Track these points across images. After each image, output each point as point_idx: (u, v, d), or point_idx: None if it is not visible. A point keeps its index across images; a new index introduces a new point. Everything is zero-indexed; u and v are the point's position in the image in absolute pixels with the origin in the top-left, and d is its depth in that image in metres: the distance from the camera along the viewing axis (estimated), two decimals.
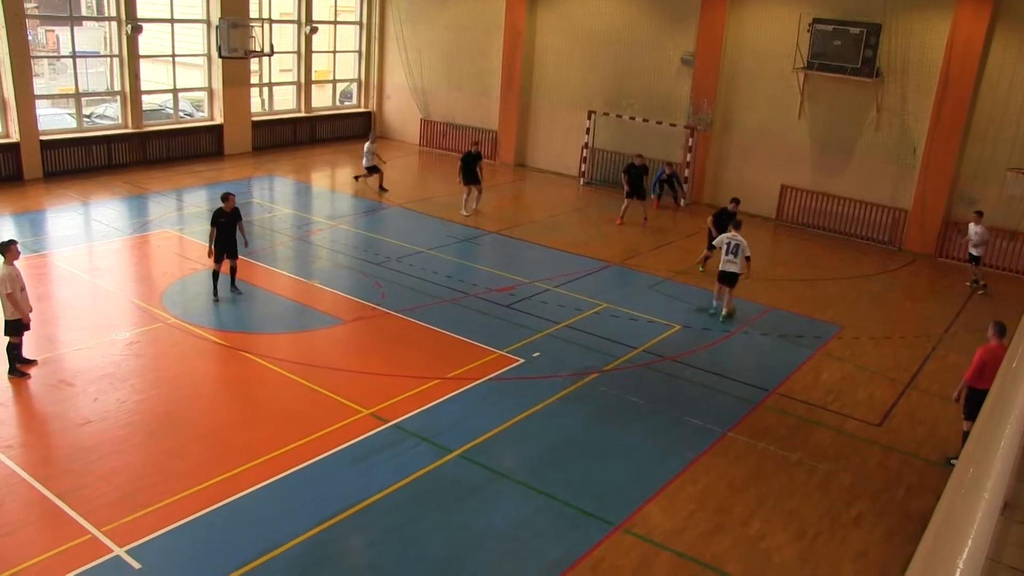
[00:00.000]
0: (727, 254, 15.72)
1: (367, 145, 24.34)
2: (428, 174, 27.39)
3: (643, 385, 13.01)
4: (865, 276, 19.38)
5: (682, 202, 24.25)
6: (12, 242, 11.94)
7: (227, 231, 15.33)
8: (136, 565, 8.36)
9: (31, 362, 12.37)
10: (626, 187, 22.07)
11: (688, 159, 24.41)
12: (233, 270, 15.72)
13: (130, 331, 13.87)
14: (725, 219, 17.19)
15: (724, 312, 15.94)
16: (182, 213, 20.95)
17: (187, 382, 12.40)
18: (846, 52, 21.20)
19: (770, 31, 22.85)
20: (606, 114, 25.88)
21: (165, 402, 11.69)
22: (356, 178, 24.95)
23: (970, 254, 18.88)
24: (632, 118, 25.35)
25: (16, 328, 11.97)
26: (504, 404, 12.10)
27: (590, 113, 26.03)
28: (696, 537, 9.45)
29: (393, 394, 12.13)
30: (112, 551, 8.52)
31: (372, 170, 24.20)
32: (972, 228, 18.69)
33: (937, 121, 20.69)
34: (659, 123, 24.81)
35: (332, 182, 26.25)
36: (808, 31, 21.76)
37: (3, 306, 11.84)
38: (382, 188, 24.22)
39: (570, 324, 15.14)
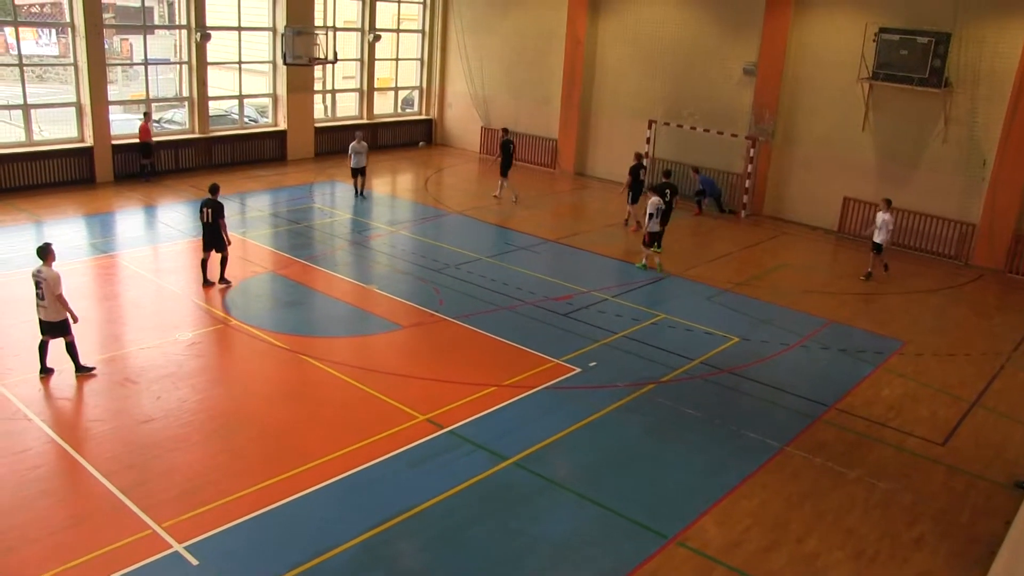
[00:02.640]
0: (658, 216, 18.48)
1: (354, 144, 23.28)
2: (488, 182, 27.43)
3: (700, 397, 12.88)
4: (929, 291, 18.95)
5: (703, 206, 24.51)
6: (49, 245, 12.17)
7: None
8: (194, 561, 8.52)
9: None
10: (629, 192, 22.30)
11: (749, 170, 24.14)
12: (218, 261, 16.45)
13: (192, 332, 14.15)
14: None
15: (647, 264, 18.85)
16: (245, 217, 21.32)
17: (246, 383, 12.62)
18: (913, 62, 20.73)
19: (834, 41, 22.50)
20: (666, 123, 25.72)
21: (224, 402, 11.91)
22: (361, 195, 23.77)
23: (874, 243, 19.04)
24: (692, 128, 25.16)
25: (67, 327, 12.14)
26: (560, 413, 12.08)
27: (650, 122, 25.91)
28: (751, 553, 9.31)
29: (449, 400, 12.19)
30: (171, 547, 8.69)
31: (359, 172, 23.30)
32: (881, 216, 18.86)
33: (1009, 133, 20.13)
34: (720, 133, 24.59)
35: (392, 188, 26.48)
36: (874, 41, 21.36)
37: (50, 307, 11.97)
38: (362, 193, 23.62)
39: (627, 334, 15.07)
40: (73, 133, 23.32)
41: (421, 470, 10.44)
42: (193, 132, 25.80)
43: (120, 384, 12.21)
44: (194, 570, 8.41)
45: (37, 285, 12.03)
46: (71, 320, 12.10)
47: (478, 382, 12.83)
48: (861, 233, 22.40)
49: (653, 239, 18.64)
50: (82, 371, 12.31)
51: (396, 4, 31.37)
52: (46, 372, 12.25)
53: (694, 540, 9.44)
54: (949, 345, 15.76)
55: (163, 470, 10.09)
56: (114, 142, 23.58)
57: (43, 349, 12.24)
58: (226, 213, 16.32)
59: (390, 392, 12.32)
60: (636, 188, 22.19)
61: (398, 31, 31.83)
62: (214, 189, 16.41)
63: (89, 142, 23.12)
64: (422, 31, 32.23)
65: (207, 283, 16.20)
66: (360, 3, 29.79)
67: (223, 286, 16.28)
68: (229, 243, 16.34)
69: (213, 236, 16.12)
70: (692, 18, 25.30)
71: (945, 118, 21.10)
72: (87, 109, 22.88)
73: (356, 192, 23.63)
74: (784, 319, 16.38)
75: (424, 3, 31.86)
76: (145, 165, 24.08)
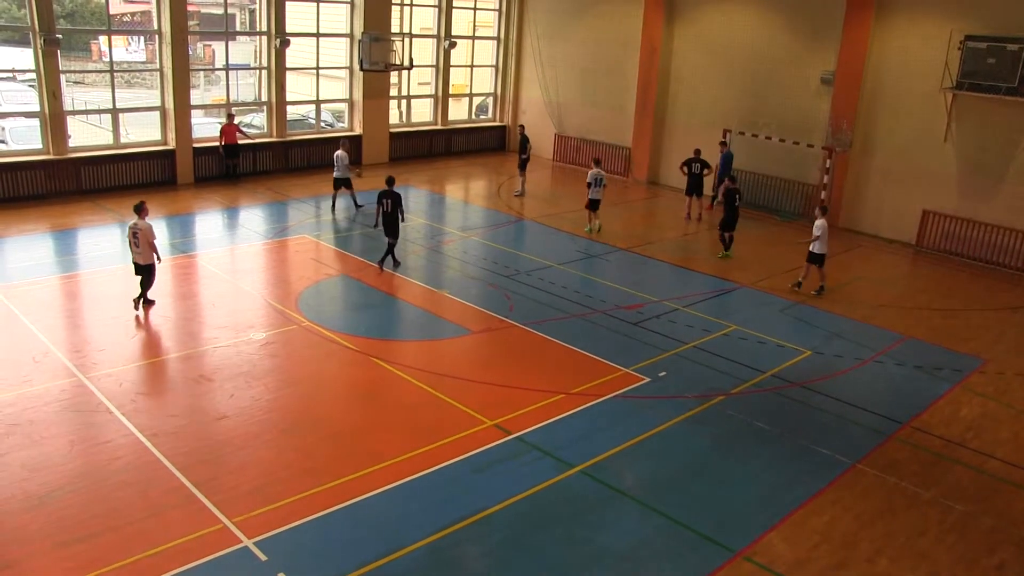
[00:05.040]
0: (597, 186, 21.25)
1: (340, 152, 22.21)
2: (561, 189, 27.46)
3: (770, 410, 12.69)
4: (1013, 308, 18.34)
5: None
6: (144, 202, 15.09)
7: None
8: (263, 557, 8.69)
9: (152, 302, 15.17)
10: (687, 181, 23.79)
11: (825, 181, 23.71)
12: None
13: (266, 332, 14.44)
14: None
15: (597, 227, 21.77)
16: (320, 220, 21.71)
17: (318, 384, 12.82)
18: (1001, 70, 20.05)
19: (917, 49, 21.95)
20: (741, 133, 25.43)
21: (296, 402, 12.13)
22: (357, 206, 22.68)
23: (812, 254, 17.89)
24: (768, 137, 24.83)
25: (153, 269, 14.94)
26: (628, 422, 12.02)
27: (725, 131, 25.63)
28: (819, 571, 9.13)
29: (517, 406, 12.22)
30: (241, 542, 8.89)
31: (343, 182, 22.25)
32: (818, 224, 17.76)
33: None
34: (795, 143, 24.21)
35: (466, 194, 26.69)
36: (959, 49, 20.78)
37: (144, 252, 14.67)
38: (357, 205, 22.64)
39: (697, 345, 14.92)
40: (157, 136, 24.04)
41: (487, 475, 10.48)
42: (271, 136, 26.37)
43: (196, 381, 12.53)
44: (263, 565, 8.58)
45: (134, 235, 14.67)
46: (157, 262, 14.91)
47: (546, 389, 12.84)
48: (942, 247, 21.89)
49: (592, 205, 21.58)
50: (147, 303, 14.98)
51: (472, 11, 31.64)
52: (148, 303, 15.05)
53: (761, 555, 9.30)
54: None
55: (235, 466, 10.33)
56: (196, 145, 24.24)
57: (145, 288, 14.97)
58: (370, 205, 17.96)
59: (458, 396, 12.41)
60: (692, 181, 23.60)
61: (473, 38, 32.08)
62: (391, 181, 17.99)
63: (172, 145, 23.81)
64: (497, 38, 32.42)
65: (383, 267, 17.82)
66: (436, 10, 30.11)
67: (388, 271, 17.74)
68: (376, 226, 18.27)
69: (392, 224, 17.60)
70: (769, 26, 24.98)
71: None
72: (171, 113, 23.58)
73: (333, 206, 22.59)
74: (858, 333, 16.04)
75: (499, 10, 32.06)
76: (230, 165, 24.77)
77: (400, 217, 17.71)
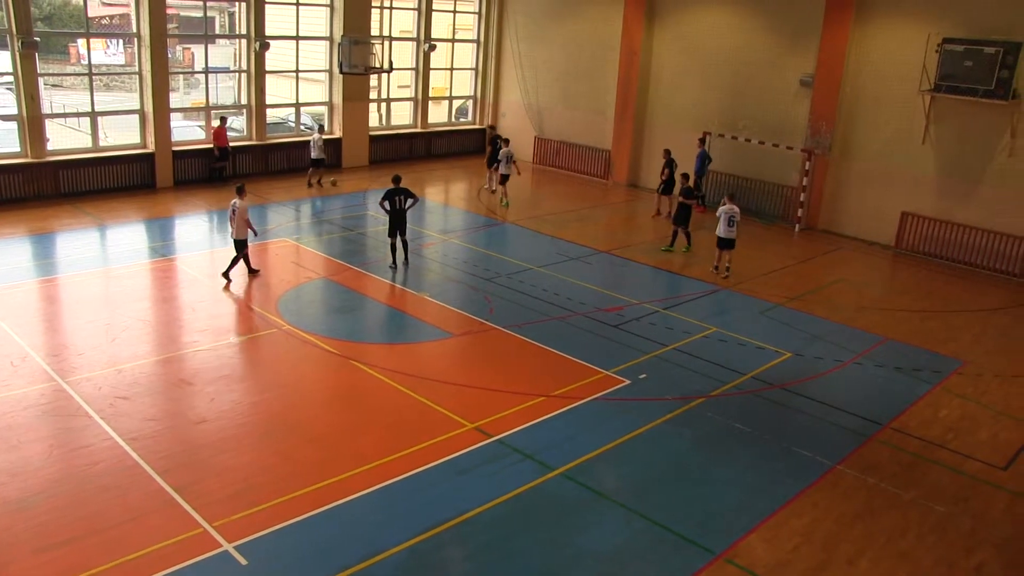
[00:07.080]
0: (507, 163, 24.30)
1: (315, 136, 25.25)
2: (541, 192, 27.51)
3: (750, 412, 12.73)
4: (992, 309, 18.50)
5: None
6: (244, 184, 17.35)
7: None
8: (243, 561, 8.63)
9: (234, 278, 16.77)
10: (662, 183, 24.44)
11: (804, 183, 23.85)
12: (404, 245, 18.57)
13: (246, 335, 14.37)
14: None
15: (505, 201, 24.55)
16: (300, 223, 21.64)
17: (298, 387, 12.76)
18: (978, 73, 20.23)
19: (895, 52, 22.13)
20: (721, 135, 25.53)
21: (277, 405, 12.07)
22: (332, 182, 25.79)
23: (721, 238, 18.93)
24: (747, 140, 24.95)
25: (246, 244, 16.77)
26: (608, 425, 12.03)
27: (705, 134, 25.72)
28: (800, 572, 9.16)
29: (498, 409, 12.21)
30: (221, 546, 8.82)
31: (318, 163, 25.28)
32: (730, 209, 18.70)
33: None
34: (775, 145, 24.33)
35: (445, 197, 26.66)
36: (937, 51, 20.96)
37: (239, 227, 16.52)
38: (320, 182, 25.53)
39: (678, 347, 14.96)
40: (136, 139, 23.88)
41: (468, 478, 10.46)
42: (251, 139, 26.26)
43: (175, 385, 12.45)
44: (243, 570, 8.52)
45: (232, 211, 16.54)
46: (252, 235, 16.93)
47: (527, 392, 12.83)
48: (920, 249, 22.06)
49: (504, 179, 24.53)
50: (252, 273, 17.11)
51: (451, 14, 31.64)
52: (253, 273, 17.20)
53: (742, 557, 9.32)
54: (1013, 366, 15.35)
55: (216, 470, 10.26)
56: (175, 148, 24.10)
57: (235, 261, 16.78)
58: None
59: (439, 399, 12.38)
60: (669, 182, 24.24)
61: (453, 41, 32.06)
62: (399, 179, 18.43)
63: (151, 148, 23.66)
64: (477, 41, 32.44)
65: (394, 266, 18.29)
66: (416, 13, 30.11)
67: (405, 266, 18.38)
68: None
69: (401, 222, 18.07)
70: (749, 29, 25.12)
71: (1012, 131, 20.57)
72: (150, 116, 23.43)
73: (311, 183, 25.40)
74: (839, 335, 16.13)
75: (479, 13, 32.08)
76: (220, 167, 24.72)
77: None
